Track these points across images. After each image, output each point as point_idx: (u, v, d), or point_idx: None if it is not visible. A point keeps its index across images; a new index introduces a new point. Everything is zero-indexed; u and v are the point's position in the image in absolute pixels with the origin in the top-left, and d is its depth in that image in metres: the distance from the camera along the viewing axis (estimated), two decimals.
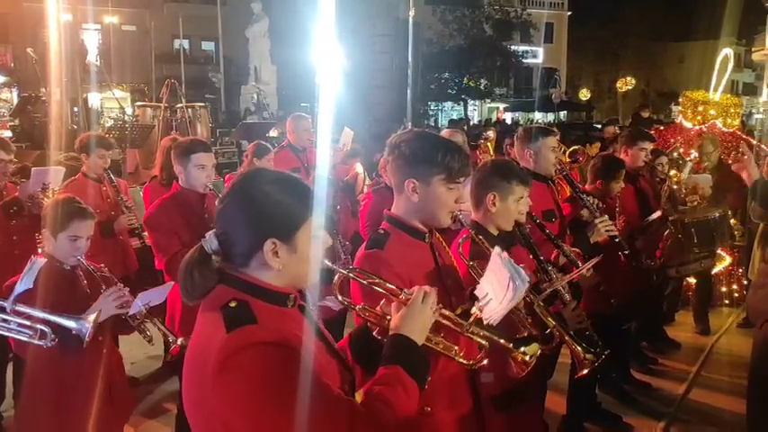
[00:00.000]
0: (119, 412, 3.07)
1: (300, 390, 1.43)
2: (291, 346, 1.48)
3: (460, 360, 1.86)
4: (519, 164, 3.92)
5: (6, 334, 2.60)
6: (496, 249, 2.01)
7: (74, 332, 2.56)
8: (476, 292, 2.00)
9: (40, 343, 2.53)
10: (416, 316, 1.71)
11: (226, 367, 1.42)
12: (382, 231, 2.20)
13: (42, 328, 2.53)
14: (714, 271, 6.33)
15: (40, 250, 3.00)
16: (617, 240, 3.75)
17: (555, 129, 4.23)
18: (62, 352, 2.68)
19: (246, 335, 1.45)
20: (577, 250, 3.28)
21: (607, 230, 3.60)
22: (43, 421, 2.82)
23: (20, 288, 2.56)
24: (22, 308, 2.56)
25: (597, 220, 3.60)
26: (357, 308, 1.86)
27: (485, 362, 1.86)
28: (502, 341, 1.90)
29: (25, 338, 2.56)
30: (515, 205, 2.69)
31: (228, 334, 1.46)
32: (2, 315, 2.55)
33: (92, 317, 2.59)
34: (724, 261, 6.46)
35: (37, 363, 2.78)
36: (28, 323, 2.55)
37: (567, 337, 2.41)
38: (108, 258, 3.57)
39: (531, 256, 2.84)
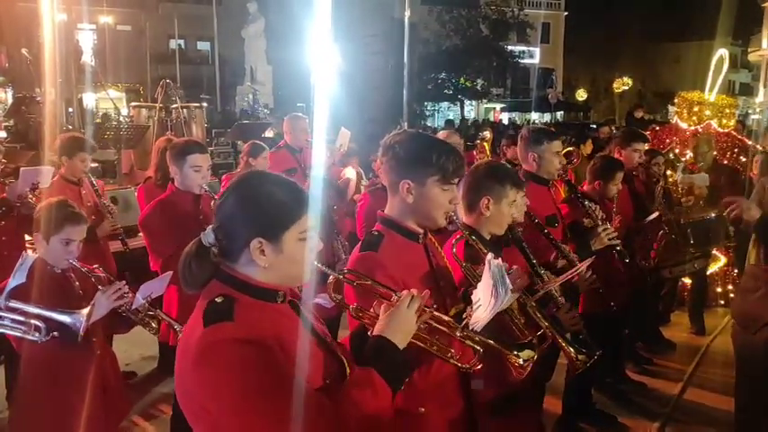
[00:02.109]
0: (113, 413, 3.06)
1: (268, 385, 1.50)
2: (263, 344, 1.54)
3: (455, 363, 1.87)
4: (514, 165, 3.93)
5: (0, 330, 2.60)
6: (489, 256, 2.01)
7: (68, 326, 2.55)
8: (471, 297, 2.00)
9: (34, 338, 2.54)
10: (400, 319, 1.74)
11: (201, 361, 1.52)
12: (376, 233, 2.19)
13: (36, 323, 2.55)
14: (709, 272, 6.35)
15: (30, 252, 2.97)
16: (618, 249, 3.69)
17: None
18: (56, 353, 2.68)
19: (219, 331, 1.54)
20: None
21: (610, 239, 3.54)
22: (37, 422, 2.81)
23: (13, 283, 2.57)
24: (15, 304, 2.57)
25: (600, 228, 3.54)
26: (351, 308, 1.89)
27: (479, 366, 1.86)
28: (496, 345, 1.90)
29: (19, 334, 2.57)
30: (508, 209, 2.65)
31: (205, 329, 1.55)
32: None
33: (85, 311, 2.59)
34: (719, 261, 6.49)
35: (31, 364, 2.79)
36: (22, 319, 2.56)
37: (559, 338, 2.40)
38: (88, 263, 3.54)
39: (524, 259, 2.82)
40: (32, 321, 2.54)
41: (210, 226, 1.68)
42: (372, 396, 1.63)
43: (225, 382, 1.49)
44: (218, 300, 1.60)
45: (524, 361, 1.92)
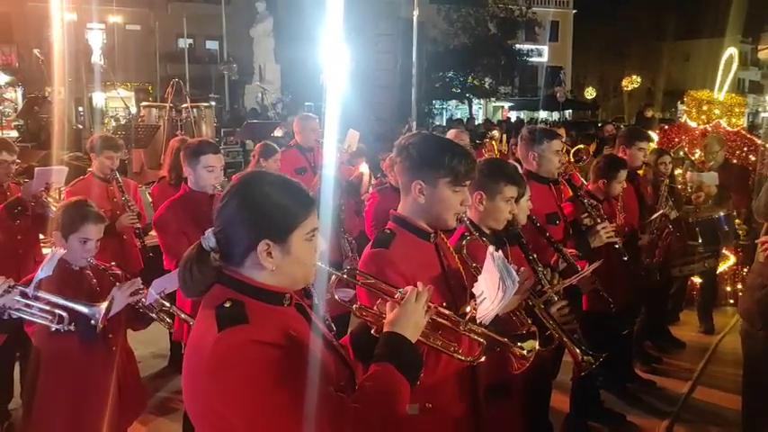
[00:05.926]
0: (129, 409, 3.11)
1: (289, 387, 1.48)
2: (282, 345, 1.52)
3: (459, 357, 1.89)
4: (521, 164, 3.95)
5: (27, 318, 2.70)
6: (490, 248, 2.03)
7: (87, 318, 2.63)
8: (473, 290, 2.01)
9: (58, 327, 2.64)
10: (409, 314, 1.75)
11: (218, 366, 1.49)
12: (388, 231, 2.23)
13: (60, 312, 2.64)
14: (719, 270, 6.34)
15: (47, 251, 3.05)
16: (617, 247, 3.75)
17: (558, 130, 4.23)
18: (74, 348, 2.75)
19: (236, 334, 1.51)
20: (575, 252, 3.28)
21: (608, 237, 3.60)
22: (55, 417, 2.86)
23: (41, 275, 2.65)
24: (41, 294, 2.67)
25: (599, 226, 3.61)
26: (354, 308, 1.90)
27: (483, 358, 1.88)
28: (499, 337, 1.92)
29: (45, 322, 2.67)
30: (505, 205, 2.68)
31: (219, 333, 1.51)
32: (24, 300, 2.65)
33: (104, 304, 2.68)
34: (728, 260, 6.48)
35: (49, 360, 2.85)
36: (47, 308, 2.66)
37: (565, 339, 2.42)
38: (109, 256, 3.59)
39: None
40: (57, 311, 2.64)
41: (211, 229, 1.65)
42: (395, 393, 1.63)
43: (245, 385, 1.46)
44: (227, 304, 1.57)
45: (528, 352, 1.93)
